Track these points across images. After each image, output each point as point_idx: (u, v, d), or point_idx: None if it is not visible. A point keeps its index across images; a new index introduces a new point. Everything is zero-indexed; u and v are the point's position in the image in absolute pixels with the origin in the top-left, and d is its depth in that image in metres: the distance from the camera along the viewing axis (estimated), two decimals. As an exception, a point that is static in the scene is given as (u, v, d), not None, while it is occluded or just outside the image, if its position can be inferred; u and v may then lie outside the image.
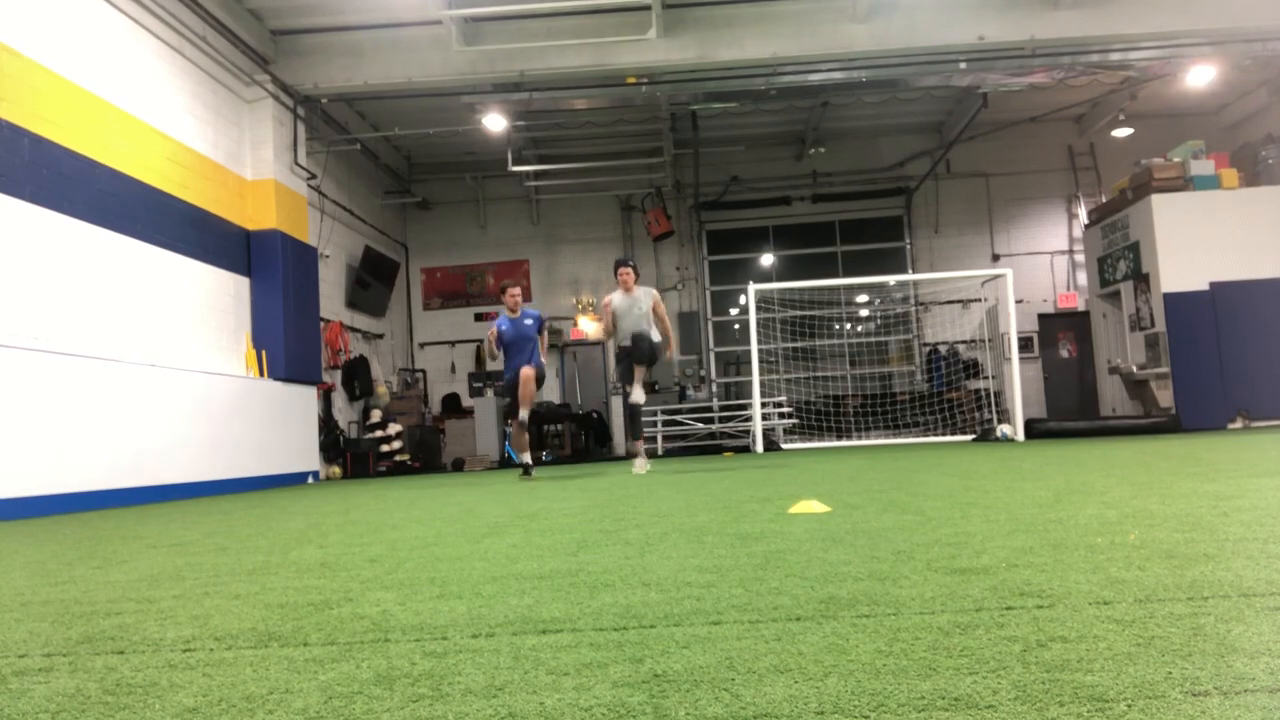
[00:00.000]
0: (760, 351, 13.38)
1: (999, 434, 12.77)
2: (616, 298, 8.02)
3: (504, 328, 8.05)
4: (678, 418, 14.27)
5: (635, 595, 1.82)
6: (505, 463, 13.51)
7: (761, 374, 13.41)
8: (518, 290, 8.19)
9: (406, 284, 16.41)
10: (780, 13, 11.05)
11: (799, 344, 15.51)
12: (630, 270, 7.98)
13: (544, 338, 8.38)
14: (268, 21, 10.66)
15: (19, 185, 6.82)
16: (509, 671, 1.27)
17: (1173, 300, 12.29)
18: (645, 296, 7.98)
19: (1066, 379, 15.76)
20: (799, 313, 15.20)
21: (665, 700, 1.09)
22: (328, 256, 12.76)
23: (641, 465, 7.78)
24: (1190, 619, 1.35)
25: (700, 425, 14.08)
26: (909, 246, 16.37)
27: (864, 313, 16.90)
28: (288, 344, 10.48)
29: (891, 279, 15.85)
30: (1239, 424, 12.00)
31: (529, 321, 8.18)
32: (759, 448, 12.77)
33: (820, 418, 14.76)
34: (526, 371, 7.92)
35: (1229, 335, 12.17)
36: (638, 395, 7.87)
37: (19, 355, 6.52)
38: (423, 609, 1.80)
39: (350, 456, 12.65)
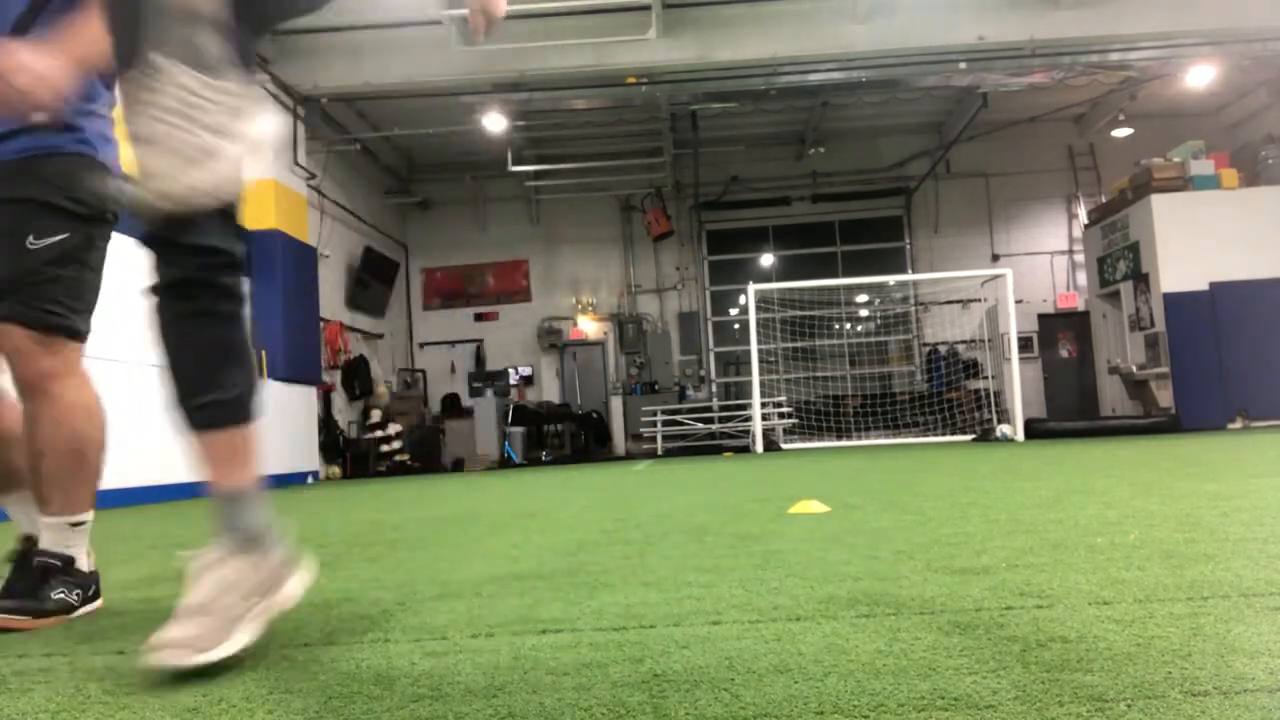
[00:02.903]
0: (760, 351, 13.38)
1: (999, 434, 12.77)
2: None
3: None
4: (677, 418, 14.27)
5: (635, 595, 1.82)
6: (505, 463, 13.51)
7: (761, 374, 13.41)
8: None
9: (406, 284, 16.41)
10: (780, 13, 11.05)
11: (799, 344, 15.51)
12: None
13: (76, 39, 1.70)
14: (267, 21, 10.65)
15: (19, 185, 6.82)
16: (509, 671, 1.27)
17: (1172, 300, 12.29)
18: None
19: (1066, 379, 15.75)
20: (799, 313, 15.20)
21: (665, 700, 1.09)
22: (328, 256, 12.76)
23: (184, 644, 1.28)
24: (1190, 619, 1.35)
25: (700, 425, 14.08)
26: (909, 246, 16.38)
27: (864, 313, 16.91)
28: (288, 344, 10.48)
29: (891, 279, 15.85)
30: (1239, 424, 12.00)
31: None
32: (759, 448, 12.77)
33: (820, 418, 14.76)
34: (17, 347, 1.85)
35: (1229, 335, 12.17)
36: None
37: (19, 355, 6.51)
38: (423, 609, 1.80)
39: (350, 456, 12.65)
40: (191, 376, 1.47)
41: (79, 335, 2.07)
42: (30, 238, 1.87)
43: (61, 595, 1.89)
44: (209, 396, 1.46)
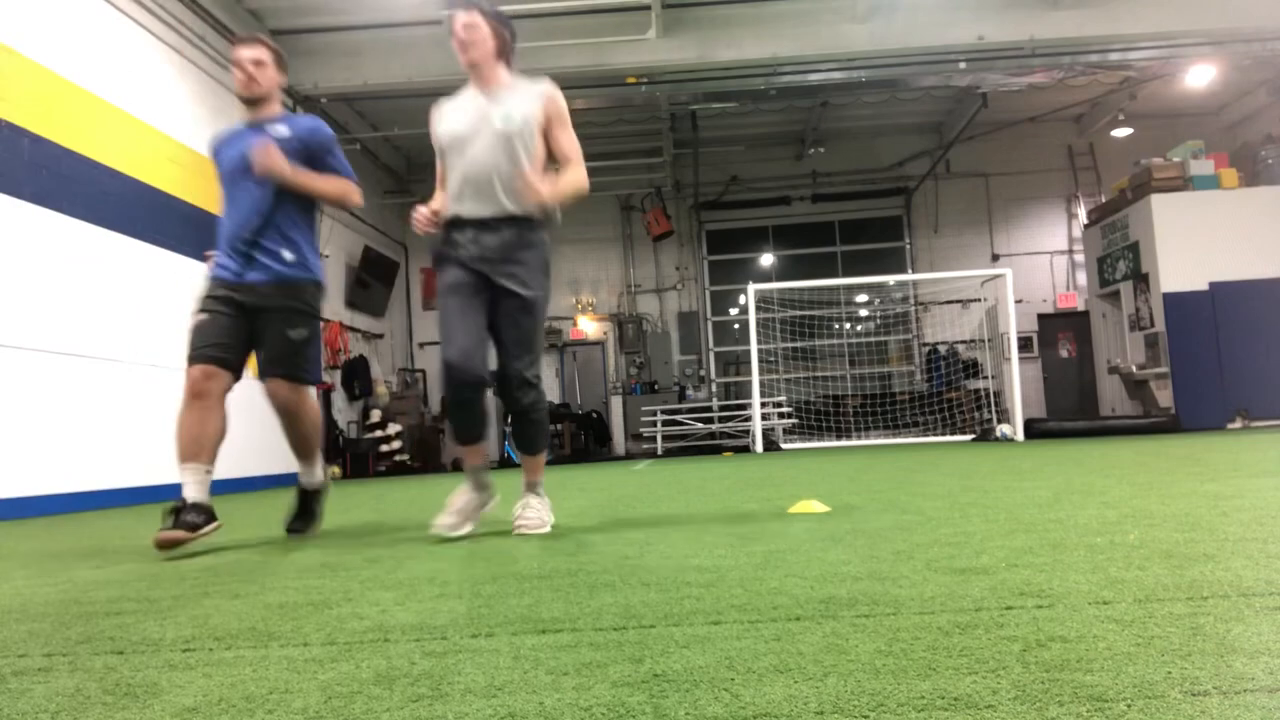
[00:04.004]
0: (760, 351, 13.38)
1: (998, 434, 12.77)
2: (456, 105, 3.28)
3: (226, 148, 3.51)
4: (677, 418, 14.28)
5: (635, 595, 1.82)
6: (505, 462, 13.51)
7: (761, 374, 13.41)
8: (261, 54, 3.48)
9: (406, 284, 16.41)
10: (780, 13, 11.05)
11: (799, 344, 15.52)
12: (479, 21, 3.20)
13: (326, 186, 3.60)
14: (267, 21, 10.66)
15: (19, 185, 6.82)
16: (509, 671, 1.27)
17: (1172, 300, 12.30)
18: (530, 101, 3.22)
19: (1066, 379, 15.76)
20: (799, 313, 15.21)
21: (665, 700, 1.09)
22: (327, 256, 12.76)
23: (459, 510, 3.19)
24: (1190, 619, 1.35)
25: (700, 425, 14.09)
26: (908, 246, 16.38)
27: (864, 313, 16.91)
28: (287, 344, 10.47)
29: (891, 279, 15.85)
30: (1238, 424, 12.00)
31: (284, 131, 3.48)
32: (759, 448, 12.77)
33: (820, 418, 14.76)
34: (285, 400, 3.41)
35: (1229, 335, 12.17)
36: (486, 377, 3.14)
37: (19, 355, 6.51)
38: (423, 609, 1.81)
39: (350, 456, 12.65)
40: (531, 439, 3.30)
41: (312, 382, 3.58)
42: (291, 334, 3.35)
43: (320, 505, 3.75)
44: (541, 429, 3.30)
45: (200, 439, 3.18)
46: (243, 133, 3.48)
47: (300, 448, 3.58)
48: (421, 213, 3.15)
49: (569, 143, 3.21)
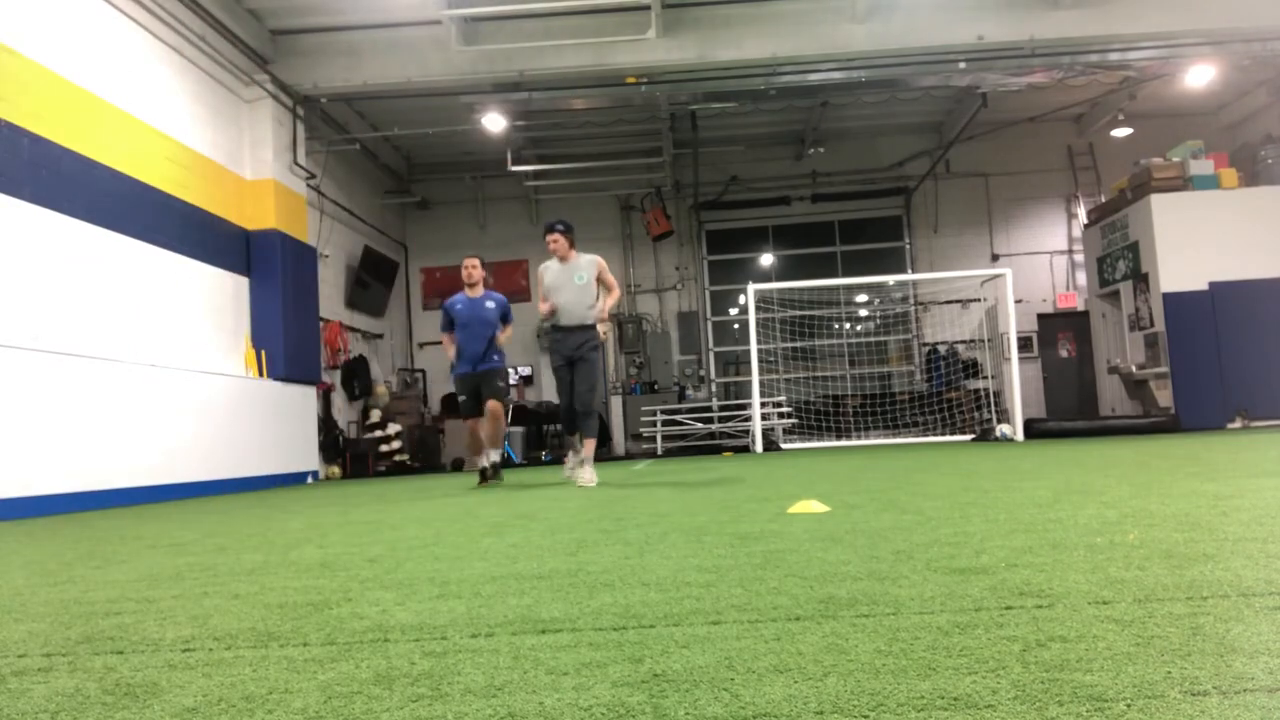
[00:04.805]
0: (760, 351, 13.38)
1: (998, 434, 12.77)
2: (550, 267, 6.64)
3: (458, 306, 7.05)
4: (677, 418, 14.28)
5: (635, 595, 1.82)
6: (505, 463, 13.51)
7: (761, 374, 13.41)
8: (476, 261, 7.13)
9: (406, 284, 16.41)
10: (779, 13, 11.05)
11: (798, 344, 15.52)
12: (560, 236, 6.53)
13: (507, 330, 7.16)
14: (267, 21, 10.66)
15: (19, 185, 6.82)
16: (508, 671, 1.27)
17: (1172, 300, 12.30)
18: (588, 266, 6.52)
19: (1066, 379, 15.76)
20: (798, 313, 15.20)
21: (665, 700, 1.09)
22: (327, 256, 12.75)
23: (582, 471, 6.34)
24: (1190, 619, 1.35)
25: (700, 425, 14.09)
26: (908, 246, 16.38)
27: (863, 312, 16.91)
28: (287, 344, 10.48)
29: (891, 279, 15.85)
30: (1238, 424, 12.01)
31: (491, 305, 7.07)
32: (758, 448, 12.77)
33: (820, 418, 14.76)
34: (494, 407, 6.90)
35: (1228, 335, 12.17)
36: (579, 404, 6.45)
37: (19, 355, 6.51)
38: (422, 609, 1.81)
39: (350, 456, 12.65)
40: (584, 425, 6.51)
41: (507, 398, 7.47)
42: (499, 383, 7.09)
43: (501, 476, 7.31)
44: (591, 428, 6.50)
45: (477, 446, 7.11)
46: (467, 300, 7.07)
47: (491, 438, 7.04)
48: (547, 307, 6.48)
49: (611, 279, 6.63)
